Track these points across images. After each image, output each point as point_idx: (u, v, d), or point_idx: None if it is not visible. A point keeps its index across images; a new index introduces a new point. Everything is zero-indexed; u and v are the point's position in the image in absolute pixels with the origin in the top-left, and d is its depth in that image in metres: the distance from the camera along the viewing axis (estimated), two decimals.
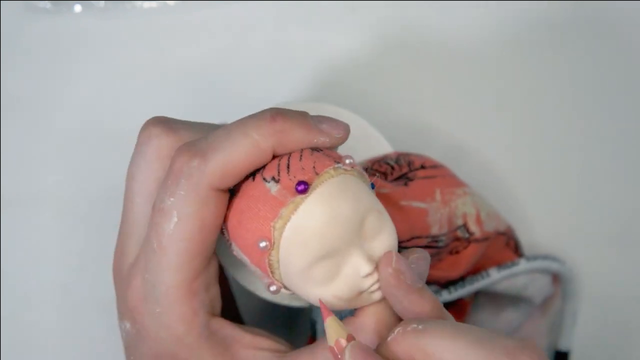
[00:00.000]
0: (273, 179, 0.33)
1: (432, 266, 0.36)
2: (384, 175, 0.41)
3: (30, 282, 0.52)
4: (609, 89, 0.54)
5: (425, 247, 0.40)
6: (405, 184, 0.41)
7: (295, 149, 0.34)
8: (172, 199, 0.34)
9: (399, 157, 0.42)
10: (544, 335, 0.49)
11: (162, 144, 0.36)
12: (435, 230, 0.41)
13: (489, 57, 0.55)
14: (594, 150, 0.53)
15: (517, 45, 0.55)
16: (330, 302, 0.34)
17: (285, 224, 0.33)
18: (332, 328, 0.32)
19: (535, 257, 0.46)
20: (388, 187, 0.40)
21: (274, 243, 0.33)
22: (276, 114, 0.34)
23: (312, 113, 0.40)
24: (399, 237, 0.39)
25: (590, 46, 0.54)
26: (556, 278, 0.48)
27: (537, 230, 0.52)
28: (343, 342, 0.32)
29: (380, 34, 0.55)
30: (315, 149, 0.35)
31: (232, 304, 0.44)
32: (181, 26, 0.55)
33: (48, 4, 0.55)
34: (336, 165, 0.34)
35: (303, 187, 0.32)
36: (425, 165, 0.42)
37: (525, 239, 0.48)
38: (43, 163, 0.54)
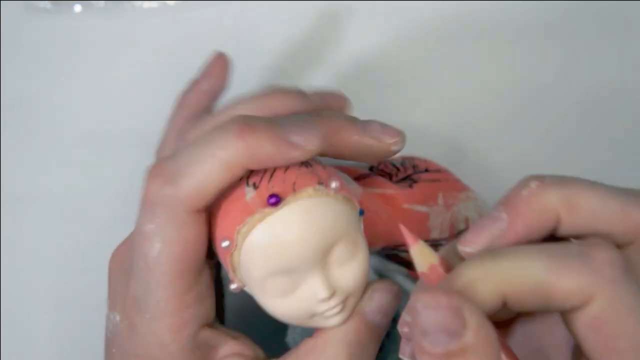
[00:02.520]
0: (254, 184, 0.33)
1: None
2: (389, 175, 0.41)
3: (30, 282, 0.52)
4: (614, 89, 0.54)
5: None
6: (410, 186, 0.40)
7: (269, 163, 0.33)
8: (151, 226, 0.34)
9: (404, 160, 0.42)
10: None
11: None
12: (435, 235, 0.41)
13: (490, 57, 0.55)
14: (596, 151, 0.53)
15: (519, 44, 0.55)
16: (281, 317, 0.34)
17: (250, 231, 0.32)
18: (421, 254, 0.31)
19: None
20: (393, 189, 0.40)
21: (236, 245, 0.33)
22: (243, 127, 0.33)
23: None
24: (398, 240, 0.39)
25: (596, 45, 0.54)
26: None
27: None
28: (439, 269, 0.30)
29: (381, 34, 0.55)
30: (307, 163, 0.34)
31: (219, 300, 0.44)
32: (181, 26, 0.55)
33: (48, 4, 0.55)
34: (317, 187, 0.33)
35: (274, 201, 0.32)
36: (429, 168, 0.42)
37: None
38: (43, 163, 0.54)
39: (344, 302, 0.34)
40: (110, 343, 0.38)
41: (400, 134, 0.36)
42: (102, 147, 0.54)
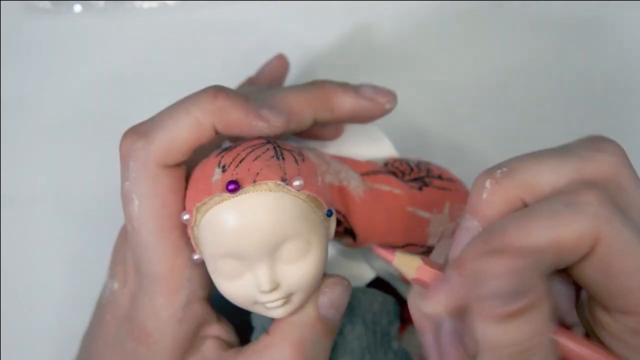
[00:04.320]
0: (223, 167, 0.34)
1: None
2: (402, 173, 0.41)
3: (30, 282, 0.52)
4: (614, 89, 0.54)
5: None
6: (420, 189, 0.40)
7: (236, 129, 0.35)
8: (127, 183, 0.35)
9: (420, 162, 0.42)
10: None
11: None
12: (433, 242, 0.41)
13: (490, 57, 0.55)
14: None
15: (519, 44, 0.55)
16: (227, 297, 0.35)
17: (207, 211, 0.34)
18: (403, 263, 0.31)
19: None
20: (402, 189, 0.40)
21: (195, 221, 0.34)
22: (218, 90, 0.35)
23: None
24: (395, 240, 0.39)
25: (595, 45, 0.54)
26: None
27: None
28: (426, 268, 0.31)
29: (380, 33, 0.55)
30: (280, 155, 0.35)
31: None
32: (181, 26, 0.55)
33: (48, 4, 0.55)
34: (279, 182, 0.33)
35: (232, 187, 0.33)
36: (442, 176, 0.42)
37: None
38: (43, 163, 0.54)
39: (286, 297, 0.35)
40: (104, 309, 0.39)
41: (391, 94, 0.39)
42: (102, 147, 0.54)
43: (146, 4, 0.55)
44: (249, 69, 0.51)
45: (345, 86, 0.39)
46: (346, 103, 0.39)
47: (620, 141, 0.32)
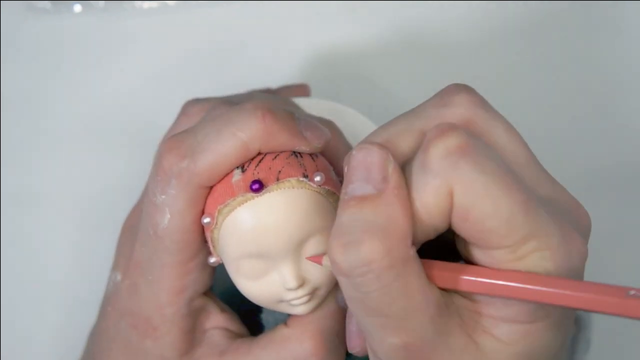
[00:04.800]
0: (242, 167, 0.34)
1: None
2: None
3: (31, 282, 0.52)
4: (614, 89, 0.54)
5: None
6: None
7: (278, 149, 0.34)
8: (163, 197, 0.35)
9: None
10: None
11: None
12: None
13: (489, 57, 0.55)
14: (599, 156, 0.53)
15: (518, 43, 0.55)
16: (250, 298, 0.35)
17: (230, 212, 0.33)
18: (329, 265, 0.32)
19: None
20: None
21: (216, 223, 0.34)
22: (266, 113, 0.34)
23: (314, 111, 0.40)
24: None
25: (592, 44, 0.54)
26: None
27: None
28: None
29: (381, 33, 0.55)
30: (297, 153, 0.35)
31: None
32: (181, 26, 0.55)
33: (48, 4, 0.55)
34: (301, 179, 0.34)
35: (257, 187, 0.33)
36: None
37: None
38: (43, 162, 0.54)
39: (312, 293, 0.35)
40: (107, 301, 0.39)
41: (327, 139, 0.36)
42: (102, 147, 0.54)
43: (146, 4, 0.55)
44: (249, 69, 0.51)
45: (289, 122, 0.36)
46: (283, 142, 0.36)
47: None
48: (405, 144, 0.31)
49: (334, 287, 0.36)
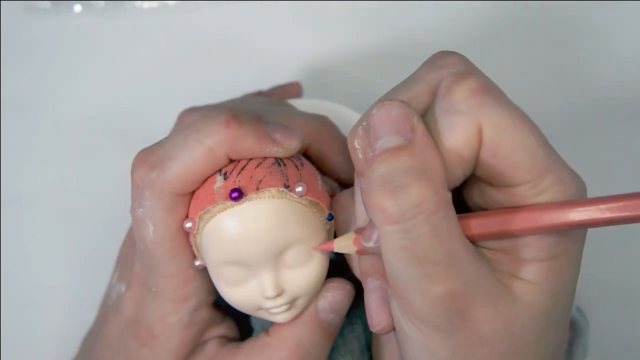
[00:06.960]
0: (225, 174, 0.34)
1: None
2: None
3: (31, 282, 0.52)
4: (614, 89, 0.54)
5: None
6: None
7: (249, 155, 0.34)
8: (141, 210, 0.35)
9: None
10: None
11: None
12: None
13: (485, 61, 0.54)
14: (599, 155, 0.53)
15: (515, 47, 0.55)
16: (230, 303, 0.35)
17: (210, 218, 0.34)
18: (342, 245, 0.33)
19: None
20: None
21: (197, 229, 0.34)
22: (231, 118, 0.34)
23: (313, 111, 0.40)
24: None
25: (592, 44, 0.54)
26: None
27: None
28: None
29: (381, 35, 0.55)
30: (281, 161, 0.35)
31: None
32: (181, 26, 0.55)
33: (48, 4, 0.55)
34: (282, 189, 0.34)
35: (236, 195, 0.33)
36: None
37: None
38: (43, 163, 0.54)
39: (291, 302, 0.35)
40: (108, 311, 0.39)
41: (299, 139, 0.36)
42: (102, 147, 0.54)
43: (146, 4, 0.55)
44: (249, 69, 0.51)
45: (255, 127, 0.36)
46: (251, 147, 0.36)
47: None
48: (414, 102, 0.31)
49: (315, 297, 0.36)
